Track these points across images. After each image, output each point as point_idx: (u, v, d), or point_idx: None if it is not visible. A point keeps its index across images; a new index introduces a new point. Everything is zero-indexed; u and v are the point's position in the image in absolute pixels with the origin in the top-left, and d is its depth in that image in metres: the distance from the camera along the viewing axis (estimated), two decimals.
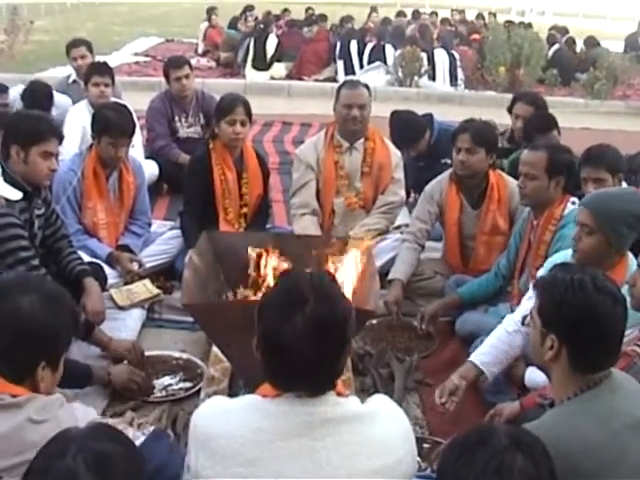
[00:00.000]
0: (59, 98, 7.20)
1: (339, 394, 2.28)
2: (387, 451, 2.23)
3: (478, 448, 1.90)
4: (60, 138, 4.39)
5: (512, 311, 4.37)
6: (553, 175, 4.35)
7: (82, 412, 2.48)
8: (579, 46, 17.45)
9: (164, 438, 3.03)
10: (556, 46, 16.52)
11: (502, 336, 3.85)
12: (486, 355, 3.81)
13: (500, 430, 1.97)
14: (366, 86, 5.63)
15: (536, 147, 4.53)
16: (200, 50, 17.60)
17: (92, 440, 1.87)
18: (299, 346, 2.15)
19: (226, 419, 2.23)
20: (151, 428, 3.13)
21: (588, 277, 2.50)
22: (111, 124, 5.06)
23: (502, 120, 6.80)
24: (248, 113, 5.44)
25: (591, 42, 17.38)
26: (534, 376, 3.79)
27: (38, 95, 6.74)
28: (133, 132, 5.28)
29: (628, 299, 2.90)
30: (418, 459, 3.09)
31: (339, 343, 2.22)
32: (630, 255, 3.68)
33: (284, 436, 2.16)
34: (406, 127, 6.49)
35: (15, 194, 4.09)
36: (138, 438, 2.76)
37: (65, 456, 1.80)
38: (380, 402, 2.41)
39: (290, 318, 2.17)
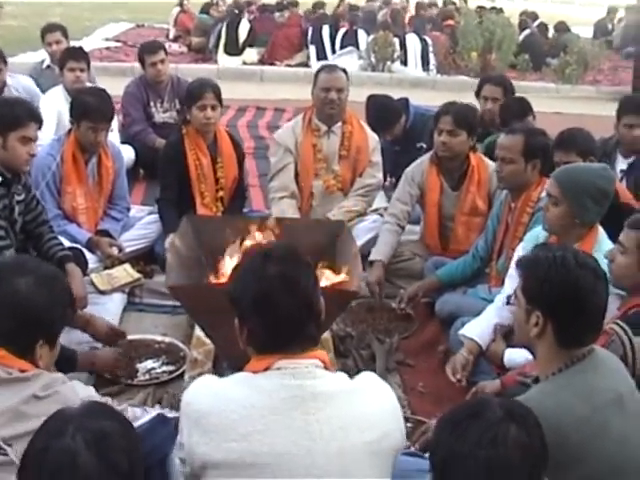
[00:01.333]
0: (24, 81, 7.12)
1: (326, 367, 2.34)
2: (376, 425, 2.28)
3: (472, 421, 1.95)
4: (39, 122, 4.34)
5: (490, 292, 4.47)
6: (529, 158, 4.42)
7: (82, 389, 2.54)
8: (550, 31, 17.56)
9: (169, 423, 3.06)
10: (527, 31, 16.60)
11: (494, 312, 4.02)
12: (482, 330, 4.02)
13: (493, 402, 2.02)
14: (344, 70, 5.69)
15: (513, 131, 4.59)
16: (171, 35, 17.49)
17: (90, 418, 1.90)
18: (273, 293, 2.30)
19: (217, 396, 2.27)
20: (156, 410, 3.17)
21: (570, 254, 2.58)
22: (91, 109, 5.04)
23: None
24: (218, 98, 5.45)
25: (562, 27, 17.52)
26: (514, 356, 3.85)
27: None
28: (112, 116, 5.28)
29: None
30: None
31: (310, 282, 2.38)
32: (600, 228, 3.80)
33: (276, 410, 2.20)
34: (382, 111, 6.53)
35: None
36: (141, 417, 2.80)
37: (64, 435, 1.83)
38: (368, 378, 2.46)
39: (261, 271, 2.34)
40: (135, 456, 1.89)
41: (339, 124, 5.66)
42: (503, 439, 1.91)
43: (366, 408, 2.30)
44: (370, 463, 2.25)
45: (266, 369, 2.29)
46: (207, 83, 5.52)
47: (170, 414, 3.24)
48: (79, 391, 2.46)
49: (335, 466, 2.19)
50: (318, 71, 5.72)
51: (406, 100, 6.82)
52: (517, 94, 6.41)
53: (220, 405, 2.23)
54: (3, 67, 6.52)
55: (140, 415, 2.81)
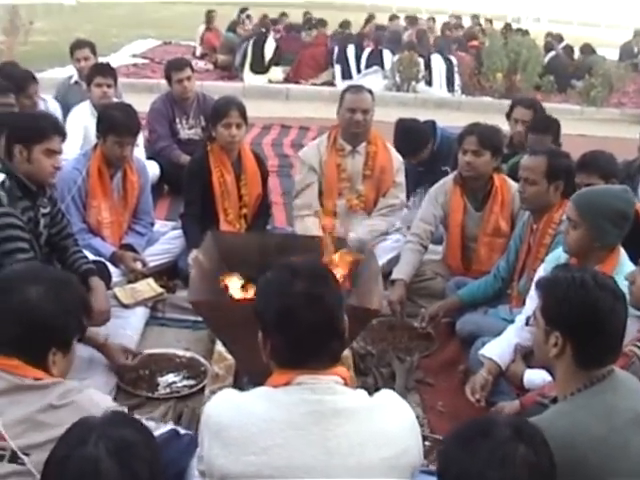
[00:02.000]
0: (51, 103, 7.20)
1: (346, 384, 2.36)
2: (394, 442, 2.29)
3: (481, 440, 1.95)
4: (63, 135, 4.39)
5: (511, 313, 4.47)
6: (552, 180, 4.43)
7: (100, 398, 2.55)
8: (576, 53, 17.56)
9: (182, 438, 3.09)
10: (552, 53, 16.63)
11: (514, 332, 4.03)
12: (502, 350, 4.03)
13: (501, 421, 2.03)
14: (369, 91, 5.74)
15: (536, 152, 4.61)
16: (198, 53, 17.64)
17: (112, 427, 1.92)
18: (299, 308, 2.31)
19: (238, 409, 2.29)
20: (169, 425, 3.20)
21: (589, 275, 2.59)
22: (117, 123, 5.10)
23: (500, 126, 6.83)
24: (243, 116, 5.50)
25: (587, 49, 17.52)
26: (533, 377, 3.85)
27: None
28: (138, 131, 5.35)
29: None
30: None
31: (335, 300, 2.38)
32: (621, 250, 3.78)
33: (295, 425, 2.22)
34: (411, 136, 6.46)
35: None
36: (155, 430, 2.82)
37: (86, 443, 1.85)
38: (387, 396, 2.47)
39: (288, 286, 2.35)
40: (156, 466, 1.91)
41: (364, 144, 5.70)
42: (512, 458, 1.91)
43: (385, 425, 2.31)
44: (387, 479, 2.25)
45: (286, 384, 2.31)
46: (232, 101, 5.57)
47: (183, 430, 3.28)
48: (96, 400, 2.47)
49: None
50: (344, 91, 5.77)
51: (433, 123, 6.81)
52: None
53: (240, 418, 2.26)
54: (35, 88, 6.56)
55: (154, 428, 2.83)
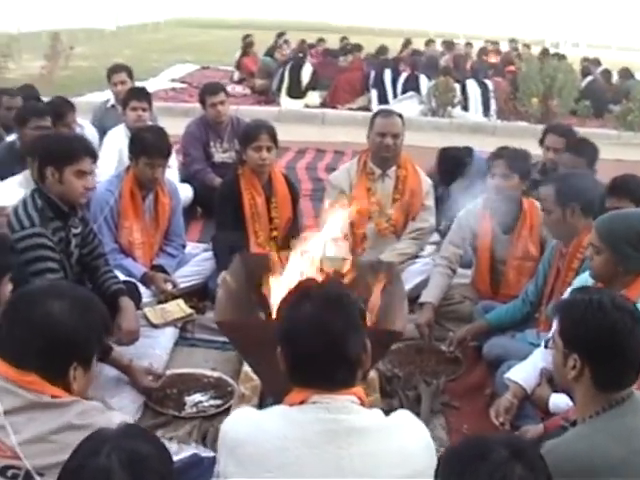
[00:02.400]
0: (88, 129, 7.34)
1: (362, 403, 2.37)
2: (408, 462, 2.30)
3: (479, 463, 1.91)
4: (94, 157, 4.48)
5: (538, 337, 4.46)
6: (564, 205, 4.42)
7: (120, 420, 2.53)
8: (614, 78, 17.49)
9: (203, 463, 3.12)
10: (590, 77, 16.57)
11: (540, 356, 4.01)
12: (528, 374, 4.01)
13: (497, 442, 1.98)
14: (400, 115, 5.79)
15: (546, 182, 4.67)
16: (236, 77, 17.79)
17: (126, 439, 1.94)
18: (305, 331, 2.35)
19: (254, 427, 2.33)
20: (192, 449, 3.23)
21: (606, 297, 2.59)
22: (148, 145, 5.20)
23: (534, 151, 6.81)
24: (273, 139, 5.57)
25: (625, 74, 17.45)
26: (558, 401, 3.83)
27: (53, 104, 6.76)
28: (169, 153, 5.44)
29: None
30: None
31: (343, 326, 2.37)
32: None
33: (310, 444, 2.24)
34: (454, 165, 6.51)
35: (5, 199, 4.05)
36: (176, 454, 2.85)
37: (99, 454, 1.86)
38: (403, 416, 2.49)
39: (297, 307, 2.40)
40: (166, 478, 1.92)
41: (393, 168, 5.74)
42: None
43: (400, 444, 2.32)
44: None
45: (302, 402, 2.34)
46: (263, 125, 5.64)
47: (205, 453, 3.31)
48: (116, 421, 2.46)
49: None
50: (374, 115, 5.84)
51: (470, 150, 6.83)
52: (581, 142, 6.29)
53: (256, 435, 2.29)
54: (73, 116, 6.68)
55: (175, 452, 2.85)
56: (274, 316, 4.01)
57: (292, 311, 2.42)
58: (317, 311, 2.37)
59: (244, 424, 2.37)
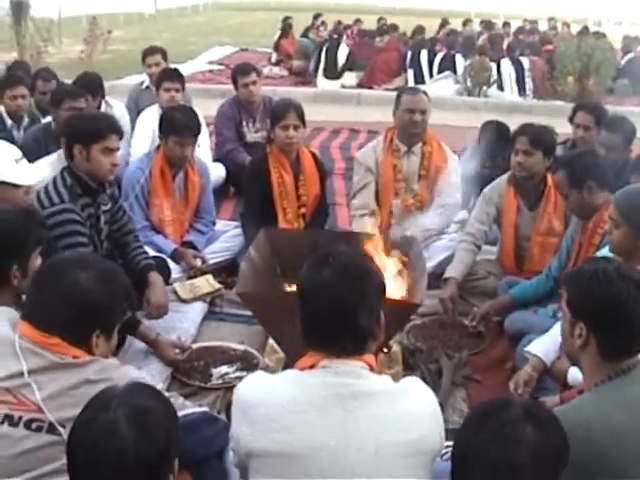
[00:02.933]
0: (117, 108, 7.45)
1: (371, 369, 2.44)
2: (413, 426, 2.35)
3: (491, 417, 2.02)
4: (120, 134, 4.58)
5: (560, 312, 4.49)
6: (579, 186, 4.47)
7: (136, 374, 2.67)
8: None
9: (218, 421, 3.20)
10: (630, 55, 16.39)
11: (559, 329, 3.99)
12: (548, 347, 4.04)
13: (516, 402, 2.08)
14: (425, 92, 5.84)
15: (558, 167, 4.72)
16: (273, 59, 17.88)
17: (132, 395, 2.07)
18: (320, 295, 2.40)
19: (265, 390, 2.41)
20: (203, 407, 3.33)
21: (612, 267, 2.63)
22: (177, 124, 5.30)
23: (569, 130, 6.79)
24: (301, 118, 5.64)
25: None
26: (577, 374, 3.84)
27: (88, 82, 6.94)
28: (199, 132, 5.52)
29: None
30: None
31: (357, 295, 2.40)
32: None
33: (317, 406, 2.32)
34: (499, 138, 6.55)
35: (29, 178, 4.06)
36: (183, 409, 2.95)
37: (108, 409, 2.00)
38: (411, 382, 2.54)
39: (316, 271, 2.45)
40: (173, 434, 2.04)
41: (419, 145, 5.79)
42: (516, 438, 1.96)
43: (406, 409, 2.38)
44: (405, 463, 2.32)
45: (312, 367, 2.41)
46: (290, 104, 5.71)
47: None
48: (132, 376, 2.57)
49: (369, 463, 2.28)
50: (400, 94, 5.90)
51: (507, 128, 6.81)
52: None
53: (267, 398, 2.37)
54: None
55: (180, 406, 2.95)
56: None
57: (309, 274, 2.48)
58: (332, 278, 2.41)
59: (256, 387, 2.45)
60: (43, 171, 4.36)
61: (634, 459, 2.41)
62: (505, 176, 5.38)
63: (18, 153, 4.02)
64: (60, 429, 2.41)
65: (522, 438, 1.96)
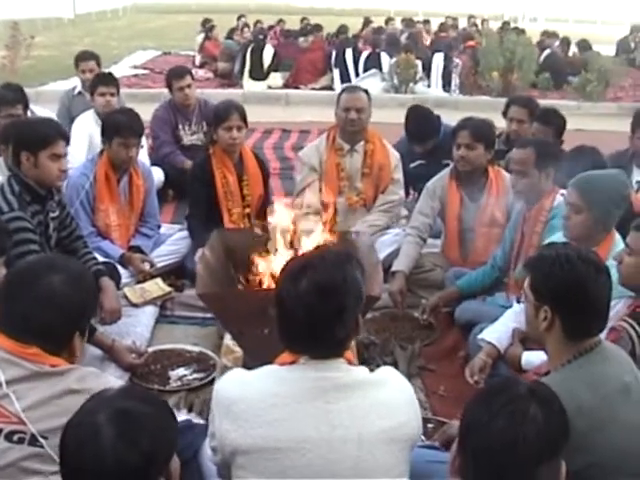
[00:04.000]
0: (42, 114, 7.34)
1: (349, 362, 2.49)
2: (393, 414, 2.42)
3: (498, 394, 2.08)
4: (67, 139, 4.56)
5: (508, 300, 4.61)
6: (542, 169, 4.58)
7: (115, 383, 2.62)
8: (572, 50, 17.71)
9: (197, 426, 3.23)
10: (548, 50, 16.76)
11: (511, 317, 4.15)
12: (500, 334, 4.12)
13: (522, 383, 2.16)
14: (365, 91, 5.91)
15: (524, 144, 4.78)
16: (197, 62, 17.77)
17: (120, 399, 2.04)
18: (296, 306, 2.39)
19: (245, 386, 2.44)
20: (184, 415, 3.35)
21: (572, 251, 2.76)
22: (121, 125, 5.28)
23: (497, 124, 6.94)
24: (243, 118, 5.67)
25: (583, 45, 17.69)
26: (531, 359, 3.95)
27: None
28: (142, 132, 5.51)
29: (615, 275, 3.15)
30: (422, 437, 3.33)
31: (333, 310, 2.39)
32: (615, 232, 3.92)
33: (299, 399, 2.36)
34: (424, 122, 6.64)
35: None
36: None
37: (95, 413, 1.98)
38: (387, 371, 2.60)
39: (295, 280, 2.41)
40: (160, 437, 1.99)
41: (362, 143, 5.86)
42: (522, 414, 2.02)
43: (385, 398, 2.44)
44: (387, 449, 2.38)
45: (292, 363, 2.45)
46: (233, 105, 5.74)
47: (196, 419, 3.44)
48: (113, 385, 2.47)
49: (353, 451, 2.34)
50: (340, 92, 5.97)
51: (438, 117, 6.95)
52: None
53: (248, 394, 2.40)
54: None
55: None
56: (256, 287, 4.17)
57: (286, 286, 2.44)
58: (309, 293, 2.38)
59: (236, 384, 2.47)
60: None
61: (597, 432, 2.52)
62: (447, 170, 5.48)
63: None
64: (42, 440, 2.39)
65: (527, 412, 2.02)
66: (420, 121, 6.61)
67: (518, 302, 3.52)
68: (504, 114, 6.61)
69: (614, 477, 2.52)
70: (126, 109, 5.79)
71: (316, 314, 2.38)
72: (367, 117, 5.81)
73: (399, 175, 5.97)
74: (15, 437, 2.40)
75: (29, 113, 6.91)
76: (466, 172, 5.31)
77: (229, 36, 18.30)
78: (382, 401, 2.43)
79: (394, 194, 5.91)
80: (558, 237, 4.05)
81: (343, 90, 6.02)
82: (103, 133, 5.42)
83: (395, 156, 6.00)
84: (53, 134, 4.43)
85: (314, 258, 2.50)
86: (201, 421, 3.47)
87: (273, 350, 2.54)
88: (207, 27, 18.18)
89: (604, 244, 3.84)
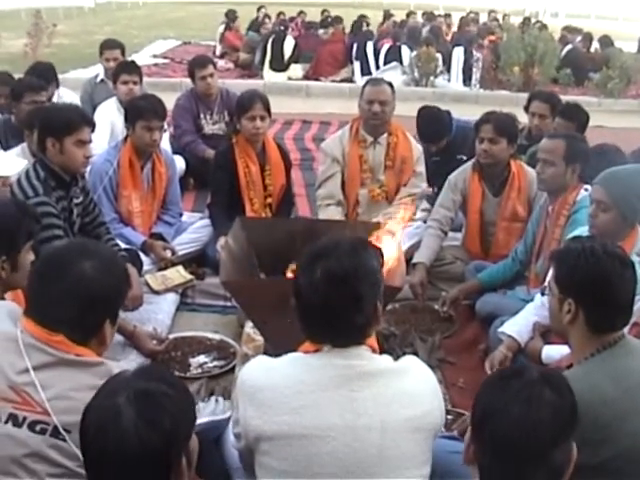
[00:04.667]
0: (69, 96, 7.41)
1: (373, 350, 2.50)
2: (417, 402, 2.43)
3: (512, 378, 2.08)
4: (92, 125, 4.57)
5: (529, 293, 4.60)
6: (570, 162, 4.57)
7: None
8: (594, 46, 17.63)
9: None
10: (569, 46, 16.69)
11: (532, 310, 4.16)
12: (521, 327, 4.13)
13: (532, 368, 2.16)
14: (389, 84, 5.89)
15: (555, 135, 4.78)
16: (218, 52, 17.80)
17: (139, 380, 2.02)
18: (312, 295, 2.40)
19: (271, 373, 2.45)
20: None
21: (598, 244, 2.77)
22: (144, 108, 5.31)
23: (519, 118, 6.92)
24: (267, 108, 5.68)
25: (605, 41, 17.58)
26: (551, 353, 3.96)
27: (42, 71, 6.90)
28: (165, 115, 5.52)
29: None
30: (442, 429, 3.34)
31: (349, 298, 2.40)
32: (639, 227, 3.91)
33: (324, 387, 2.37)
34: (434, 123, 6.62)
35: (6, 169, 4.08)
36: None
37: (114, 394, 1.96)
38: (411, 360, 2.60)
39: (309, 269, 2.43)
40: (180, 418, 1.98)
41: (385, 135, 5.85)
42: (538, 397, 2.02)
43: (409, 386, 2.45)
44: (411, 438, 2.39)
45: (316, 351, 2.46)
46: (256, 95, 5.75)
47: (219, 416, 3.42)
48: None
49: (377, 439, 2.35)
50: (365, 84, 5.94)
51: (448, 113, 6.97)
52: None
53: (273, 381, 2.41)
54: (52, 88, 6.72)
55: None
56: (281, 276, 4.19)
57: (303, 276, 2.46)
58: (325, 283, 2.39)
59: (261, 371, 2.48)
60: (21, 162, 4.32)
61: (621, 423, 2.54)
62: (469, 163, 5.49)
63: None
64: (64, 434, 2.33)
65: (542, 397, 2.02)
66: (431, 122, 6.59)
67: (542, 294, 3.51)
68: (526, 109, 6.61)
69: (639, 467, 2.53)
70: (148, 95, 5.83)
71: (332, 303, 2.39)
72: (391, 110, 5.79)
73: (421, 168, 5.97)
74: (38, 427, 2.34)
75: (56, 96, 7.01)
76: (488, 166, 5.30)
77: (253, 27, 18.28)
78: (406, 390, 2.44)
79: (416, 187, 5.91)
80: (581, 231, 4.04)
81: (367, 82, 5.98)
82: (126, 118, 5.45)
83: (418, 149, 5.99)
84: (79, 120, 4.46)
85: (328, 247, 2.50)
86: (225, 415, 3.46)
87: (295, 339, 2.55)
88: (230, 17, 18.18)
89: (629, 239, 3.83)
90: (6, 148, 5.41)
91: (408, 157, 5.88)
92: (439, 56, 14.68)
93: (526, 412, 2.00)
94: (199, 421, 2.17)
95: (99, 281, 2.50)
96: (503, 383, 2.09)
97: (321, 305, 2.39)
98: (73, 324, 2.45)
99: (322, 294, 2.38)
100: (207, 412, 3.46)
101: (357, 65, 15.32)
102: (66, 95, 7.42)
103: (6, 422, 2.35)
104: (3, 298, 3.10)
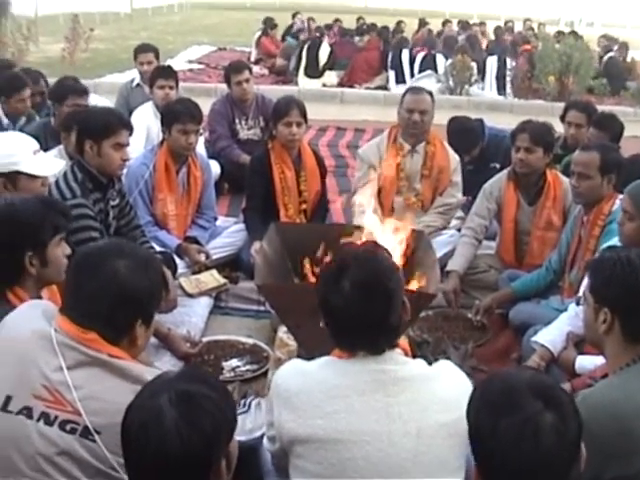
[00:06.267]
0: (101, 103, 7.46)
1: (405, 353, 2.52)
2: (452, 408, 2.42)
3: (511, 414, 1.91)
4: (130, 129, 4.63)
5: (563, 303, 4.58)
6: (605, 173, 4.56)
7: None
8: (630, 55, 17.51)
9: None
10: (609, 54, 16.59)
11: (565, 320, 4.14)
12: (554, 337, 4.11)
13: (525, 389, 1.95)
14: (430, 93, 5.89)
15: (588, 148, 4.74)
16: (253, 58, 17.89)
17: (181, 381, 2.03)
18: (346, 308, 2.43)
19: (305, 377, 2.47)
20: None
21: (634, 254, 2.75)
22: (180, 112, 5.36)
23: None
24: (303, 115, 5.70)
25: None
26: (585, 363, 3.94)
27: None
28: (201, 119, 5.57)
29: None
30: None
31: (383, 300, 2.45)
32: None
33: (359, 392, 2.38)
34: (464, 133, 6.63)
35: (46, 169, 4.04)
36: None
37: (156, 395, 1.97)
38: (445, 365, 2.62)
39: (336, 284, 2.46)
40: (221, 420, 1.98)
41: (422, 144, 5.84)
42: (543, 430, 1.88)
43: (443, 392, 2.46)
44: (446, 444, 2.40)
45: (350, 356, 2.47)
46: (293, 101, 5.78)
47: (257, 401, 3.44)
48: None
49: (412, 445, 2.36)
50: (405, 92, 5.95)
51: (481, 121, 6.96)
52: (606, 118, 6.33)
53: (308, 385, 2.43)
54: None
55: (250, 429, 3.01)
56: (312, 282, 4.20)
57: (328, 289, 2.49)
58: (353, 295, 2.43)
59: (295, 375, 2.51)
60: (60, 163, 4.37)
61: None
62: (505, 172, 5.48)
63: (36, 145, 4.02)
64: (95, 435, 2.32)
65: (547, 428, 1.88)
66: (460, 134, 6.60)
67: (577, 304, 3.50)
68: (562, 118, 6.59)
69: None
70: (184, 98, 5.88)
71: (367, 309, 2.42)
72: (430, 119, 5.79)
73: (458, 178, 5.95)
74: (68, 427, 2.34)
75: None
76: (524, 175, 5.29)
77: (291, 34, 18.35)
78: (440, 395, 2.45)
79: (452, 197, 5.90)
80: (616, 241, 4.05)
81: (407, 90, 5.99)
82: (162, 122, 5.49)
83: (455, 159, 5.98)
84: (117, 123, 4.51)
85: (345, 259, 2.56)
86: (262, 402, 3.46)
87: (329, 344, 2.56)
88: (268, 24, 18.27)
89: None
90: (45, 150, 5.45)
91: (445, 167, 5.86)
92: (474, 65, 14.65)
93: (536, 446, 1.87)
94: (238, 438, 2.16)
95: (131, 280, 2.50)
96: (504, 419, 1.91)
97: (357, 315, 2.42)
98: (104, 321, 2.45)
99: (357, 304, 2.42)
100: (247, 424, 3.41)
101: (392, 73, 15.33)
102: (97, 102, 7.48)
103: (38, 420, 2.35)
104: (39, 296, 3.12)
